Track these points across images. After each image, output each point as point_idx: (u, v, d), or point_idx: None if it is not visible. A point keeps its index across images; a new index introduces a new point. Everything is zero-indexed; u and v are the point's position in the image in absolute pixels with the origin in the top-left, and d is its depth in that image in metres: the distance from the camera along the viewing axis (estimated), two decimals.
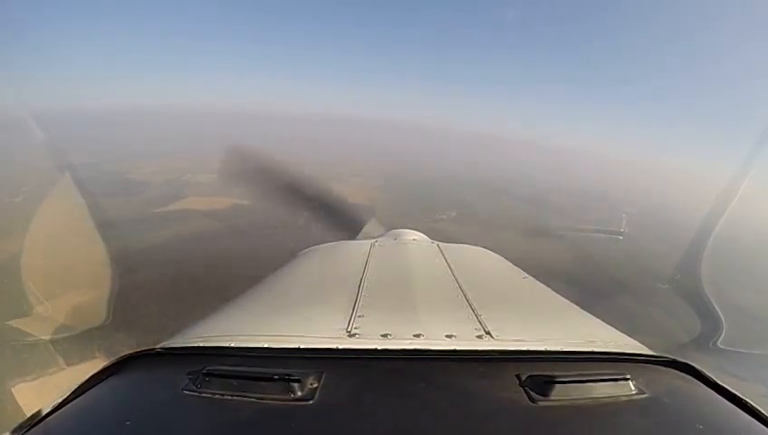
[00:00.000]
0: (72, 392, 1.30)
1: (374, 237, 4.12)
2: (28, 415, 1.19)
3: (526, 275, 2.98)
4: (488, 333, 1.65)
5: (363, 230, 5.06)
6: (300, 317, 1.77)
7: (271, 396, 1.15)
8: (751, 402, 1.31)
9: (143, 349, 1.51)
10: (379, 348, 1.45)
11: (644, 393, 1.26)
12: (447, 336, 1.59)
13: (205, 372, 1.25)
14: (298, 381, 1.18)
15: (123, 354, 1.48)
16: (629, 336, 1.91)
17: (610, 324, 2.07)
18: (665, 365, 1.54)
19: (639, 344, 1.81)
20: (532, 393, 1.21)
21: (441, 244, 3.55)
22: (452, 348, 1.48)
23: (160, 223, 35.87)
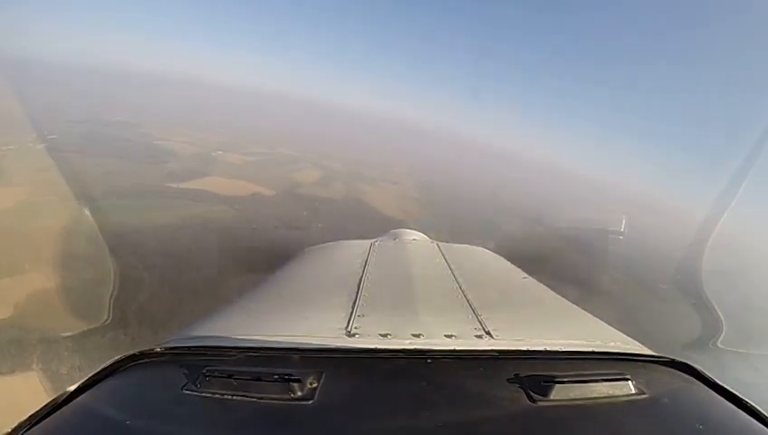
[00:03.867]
0: (72, 392, 1.29)
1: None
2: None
3: (526, 275, 2.98)
4: (488, 333, 1.66)
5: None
6: (300, 317, 1.78)
7: (271, 396, 1.15)
8: (751, 402, 1.31)
9: (143, 349, 1.50)
10: (379, 348, 1.45)
11: (644, 393, 1.26)
12: (447, 336, 1.59)
13: (205, 371, 1.25)
14: (298, 381, 1.18)
15: (123, 354, 1.47)
16: (629, 336, 1.91)
17: (610, 324, 2.08)
18: (665, 365, 1.54)
19: (639, 344, 1.82)
20: (531, 393, 1.21)
21: (441, 244, 3.55)
22: (452, 348, 1.48)
23: (172, 201, 33.12)
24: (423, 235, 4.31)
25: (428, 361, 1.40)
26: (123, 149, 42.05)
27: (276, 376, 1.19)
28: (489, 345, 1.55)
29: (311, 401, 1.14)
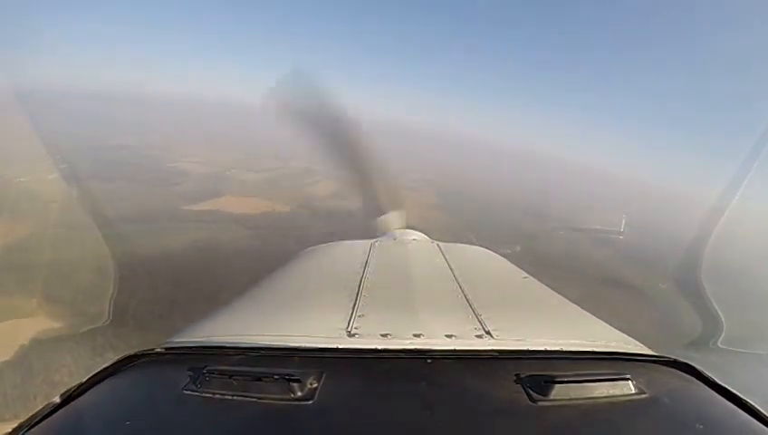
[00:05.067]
0: (73, 392, 1.31)
1: (376, 236, 4.14)
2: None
3: (526, 274, 2.97)
4: (488, 332, 1.66)
5: (382, 218, 4.94)
6: (300, 317, 1.79)
7: (271, 396, 1.16)
8: (751, 402, 1.31)
9: (143, 349, 1.51)
10: (379, 348, 1.45)
11: (644, 393, 1.27)
12: (447, 336, 1.60)
13: (205, 371, 1.25)
14: (298, 381, 1.19)
15: (123, 354, 1.48)
16: (630, 336, 1.91)
17: (610, 324, 2.07)
18: (665, 365, 1.55)
19: (640, 344, 1.81)
20: (532, 393, 1.22)
21: (441, 244, 3.54)
22: (452, 348, 1.48)
23: (183, 224, 32.40)
24: (423, 235, 4.30)
25: (429, 361, 1.41)
26: (135, 173, 41.78)
27: (276, 376, 1.19)
28: (489, 345, 1.55)
29: (311, 402, 1.15)
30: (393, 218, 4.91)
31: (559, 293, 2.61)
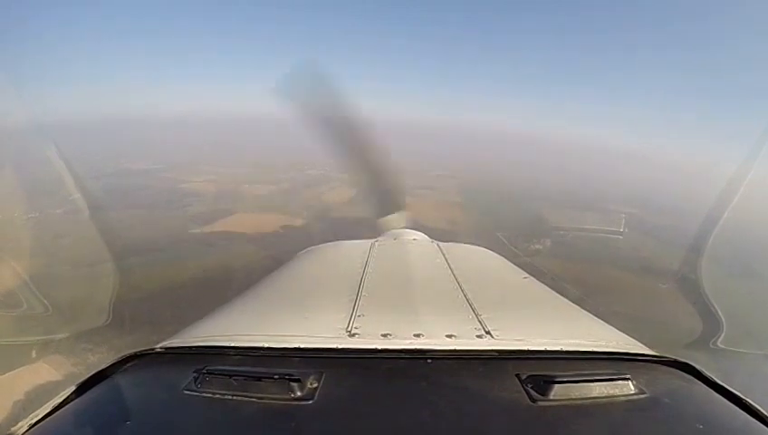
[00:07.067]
0: (73, 392, 1.31)
1: (375, 237, 4.05)
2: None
3: (526, 275, 2.96)
4: (488, 332, 1.66)
5: (387, 217, 4.93)
6: (300, 317, 1.78)
7: (271, 396, 1.16)
8: (751, 402, 1.30)
9: (143, 349, 1.52)
10: (380, 348, 1.45)
11: (644, 393, 1.26)
12: (448, 336, 1.59)
13: (205, 371, 1.25)
14: (298, 380, 1.19)
15: (123, 354, 1.49)
16: (630, 336, 1.90)
17: (610, 324, 2.06)
18: (665, 365, 1.55)
19: (640, 344, 1.81)
20: (532, 393, 1.22)
21: (441, 243, 3.53)
22: (452, 348, 1.48)
23: (191, 251, 30.00)
24: (423, 235, 4.28)
25: (429, 361, 1.41)
26: (145, 198, 40.40)
27: (276, 376, 1.20)
28: (489, 345, 1.55)
29: (311, 401, 1.15)
30: (396, 218, 4.92)
31: (559, 293, 2.62)
